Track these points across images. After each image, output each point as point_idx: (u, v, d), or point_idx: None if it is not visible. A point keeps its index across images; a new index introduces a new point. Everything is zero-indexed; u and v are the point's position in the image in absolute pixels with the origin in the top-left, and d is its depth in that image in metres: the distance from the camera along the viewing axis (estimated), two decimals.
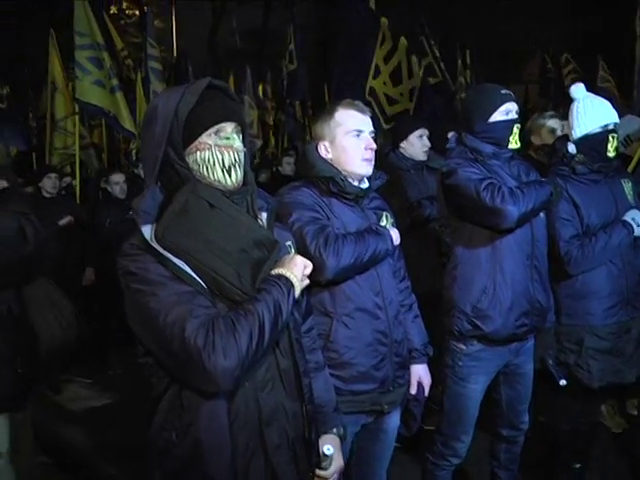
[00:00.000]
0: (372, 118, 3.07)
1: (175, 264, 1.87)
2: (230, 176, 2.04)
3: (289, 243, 2.35)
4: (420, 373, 3.24)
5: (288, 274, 2.04)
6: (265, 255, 2.03)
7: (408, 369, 3.18)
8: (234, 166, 2.05)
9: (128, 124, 8.61)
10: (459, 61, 12.85)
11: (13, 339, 2.60)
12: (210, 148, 2.03)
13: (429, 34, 10.48)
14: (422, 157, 5.28)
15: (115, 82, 8.27)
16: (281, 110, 13.84)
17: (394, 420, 3.19)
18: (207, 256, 1.89)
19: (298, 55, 11.45)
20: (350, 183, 2.98)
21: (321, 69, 16.50)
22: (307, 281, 2.14)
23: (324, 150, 3.03)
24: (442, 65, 9.10)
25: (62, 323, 2.87)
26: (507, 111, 3.42)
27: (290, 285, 2.02)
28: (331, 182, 2.95)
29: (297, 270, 2.08)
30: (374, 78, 7.31)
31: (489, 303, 3.35)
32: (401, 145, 5.29)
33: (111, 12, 25.55)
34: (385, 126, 7.32)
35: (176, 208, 1.90)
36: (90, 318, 7.39)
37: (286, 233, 2.41)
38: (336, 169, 2.98)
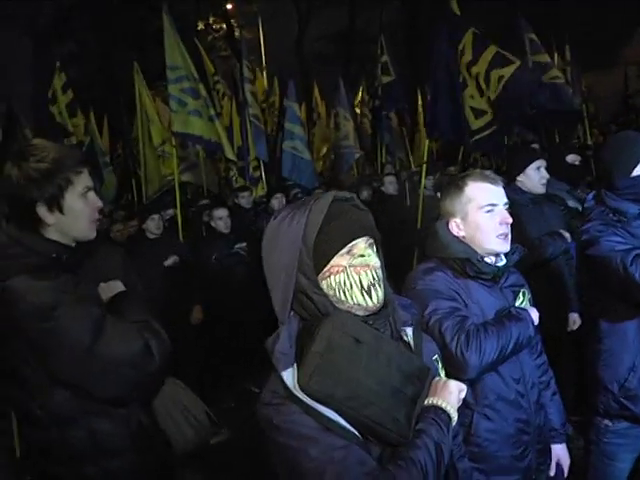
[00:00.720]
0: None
1: (325, 415, 1.72)
2: (371, 297, 1.87)
3: (436, 357, 2.17)
4: (559, 453, 3.03)
5: (444, 405, 1.88)
6: (418, 388, 1.87)
7: (549, 452, 2.97)
8: (373, 286, 1.88)
9: (230, 154, 8.56)
10: (555, 54, 12.31)
11: (146, 453, 2.49)
12: (345, 270, 1.87)
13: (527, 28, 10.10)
14: (541, 190, 4.96)
15: (212, 111, 8.21)
16: (377, 120, 13.56)
17: None
18: (359, 403, 1.73)
19: (393, 65, 11.22)
20: (487, 263, 2.79)
21: (410, 68, 16.20)
22: (461, 402, 1.97)
23: (456, 228, 2.84)
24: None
25: (194, 424, 2.73)
26: None
27: (448, 420, 1.86)
28: (467, 264, 2.76)
29: (453, 398, 1.91)
30: (462, 90, 7.38)
31: (638, 382, 3.07)
32: (518, 179, 4.98)
33: (199, 28, 25.77)
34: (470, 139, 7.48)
35: (319, 348, 1.74)
36: (201, 354, 7.47)
37: (432, 345, 2.23)
38: (471, 249, 2.78)
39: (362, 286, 1.86)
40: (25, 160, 2.31)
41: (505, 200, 2.81)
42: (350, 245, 1.87)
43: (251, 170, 10.49)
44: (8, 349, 2.28)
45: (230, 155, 8.63)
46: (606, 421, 3.22)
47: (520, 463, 2.77)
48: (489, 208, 2.77)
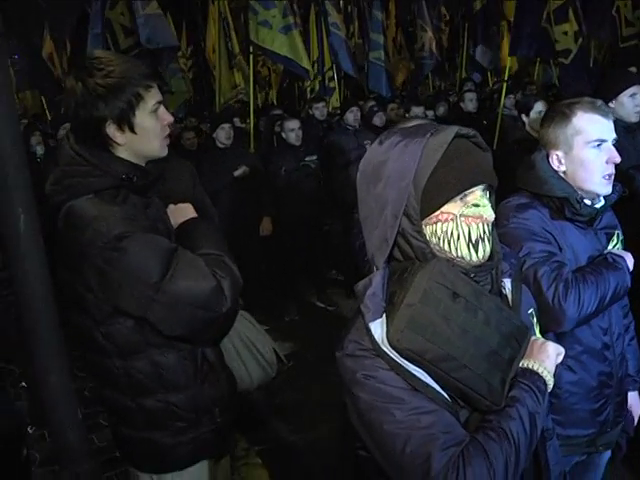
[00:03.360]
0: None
1: (414, 375, 1.55)
2: (477, 252, 1.65)
3: (531, 311, 1.96)
4: (632, 401, 2.85)
5: (541, 370, 1.68)
6: (516, 350, 1.68)
7: (626, 402, 2.80)
8: (482, 240, 1.66)
9: (305, 62, 8.33)
10: None
11: (211, 389, 2.41)
12: (455, 219, 1.64)
13: None
14: (634, 119, 4.54)
15: (290, 20, 8.00)
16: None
17: (606, 455, 2.86)
18: (452, 365, 1.55)
19: None
20: (586, 205, 2.53)
21: None
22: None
23: (557, 161, 2.57)
24: None
25: (261, 363, 2.63)
26: None
27: (544, 387, 1.67)
28: (566, 204, 2.51)
29: (550, 363, 1.71)
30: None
31: None
32: (609, 105, 4.59)
33: None
34: (621, 44, 8.11)
35: (413, 300, 1.54)
36: (267, 266, 7.44)
37: (529, 297, 1.99)
38: (571, 187, 2.52)
39: (470, 239, 1.65)
40: (90, 75, 2.11)
41: (614, 136, 2.51)
42: (466, 192, 1.65)
43: (327, 81, 10.25)
44: (73, 273, 2.17)
45: (306, 65, 8.42)
46: None
47: (598, 417, 2.62)
48: (597, 143, 2.48)
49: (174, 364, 2.29)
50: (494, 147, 7.81)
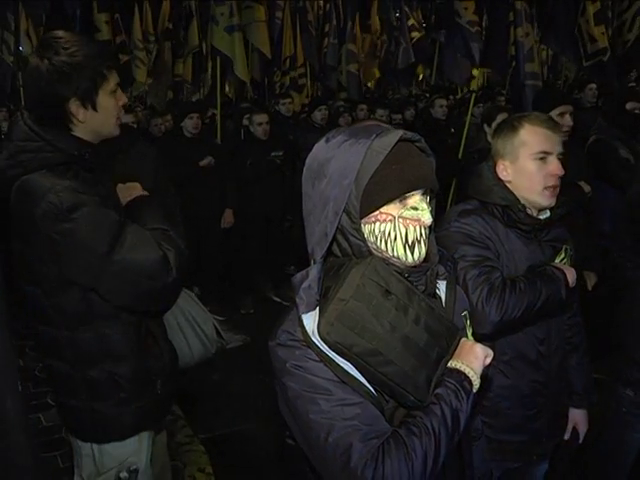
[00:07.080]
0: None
1: (342, 368, 1.58)
2: (412, 253, 1.68)
3: (465, 313, 1.98)
4: (578, 419, 2.90)
5: (468, 371, 1.70)
6: (444, 350, 1.71)
7: (565, 418, 2.86)
8: (418, 242, 1.68)
9: (240, 69, 8.40)
10: None
11: (154, 361, 2.49)
12: (393, 220, 1.67)
13: None
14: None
15: (234, 21, 8.08)
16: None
17: (542, 467, 2.92)
18: (379, 360, 1.58)
19: None
20: (527, 214, 2.59)
21: None
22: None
23: (503, 171, 2.63)
24: None
25: (202, 339, 2.71)
26: None
27: (470, 387, 1.69)
28: (506, 212, 2.58)
29: (477, 364, 1.72)
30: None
31: None
32: None
33: None
34: (585, 63, 7.86)
35: (345, 295, 1.58)
36: (225, 258, 7.48)
37: (463, 300, 2.04)
38: (514, 196, 2.59)
39: (407, 240, 1.67)
40: (57, 54, 2.21)
41: (560, 150, 2.57)
42: (406, 195, 1.68)
43: (297, 78, 10.29)
44: (25, 244, 2.25)
45: (241, 73, 8.52)
46: (628, 391, 3.11)
47: (531, 425, 2.67)
48: (541, 156, 2.54)
49: (119, 336, 2.37)
50: (459, 155, 7.87)
